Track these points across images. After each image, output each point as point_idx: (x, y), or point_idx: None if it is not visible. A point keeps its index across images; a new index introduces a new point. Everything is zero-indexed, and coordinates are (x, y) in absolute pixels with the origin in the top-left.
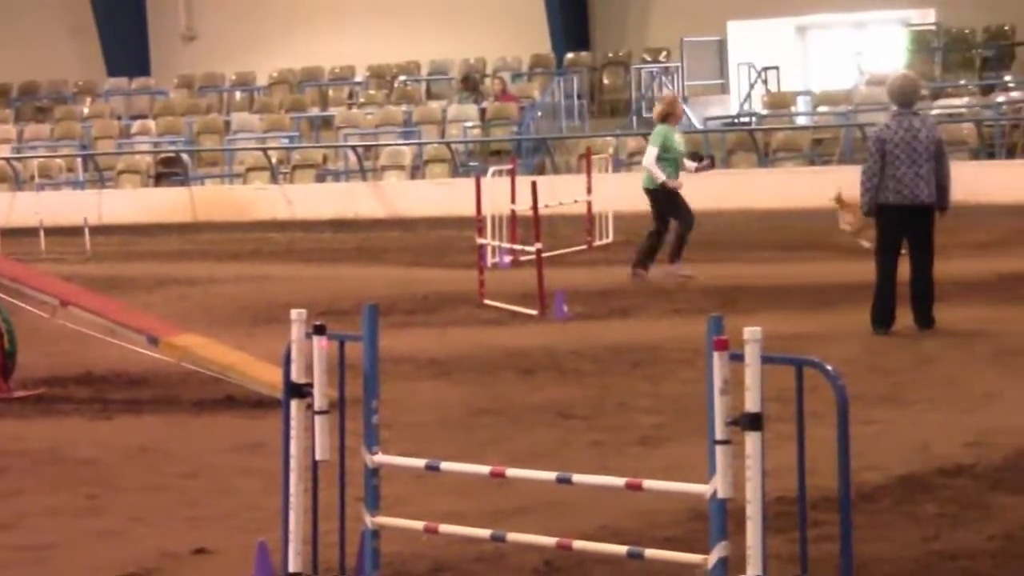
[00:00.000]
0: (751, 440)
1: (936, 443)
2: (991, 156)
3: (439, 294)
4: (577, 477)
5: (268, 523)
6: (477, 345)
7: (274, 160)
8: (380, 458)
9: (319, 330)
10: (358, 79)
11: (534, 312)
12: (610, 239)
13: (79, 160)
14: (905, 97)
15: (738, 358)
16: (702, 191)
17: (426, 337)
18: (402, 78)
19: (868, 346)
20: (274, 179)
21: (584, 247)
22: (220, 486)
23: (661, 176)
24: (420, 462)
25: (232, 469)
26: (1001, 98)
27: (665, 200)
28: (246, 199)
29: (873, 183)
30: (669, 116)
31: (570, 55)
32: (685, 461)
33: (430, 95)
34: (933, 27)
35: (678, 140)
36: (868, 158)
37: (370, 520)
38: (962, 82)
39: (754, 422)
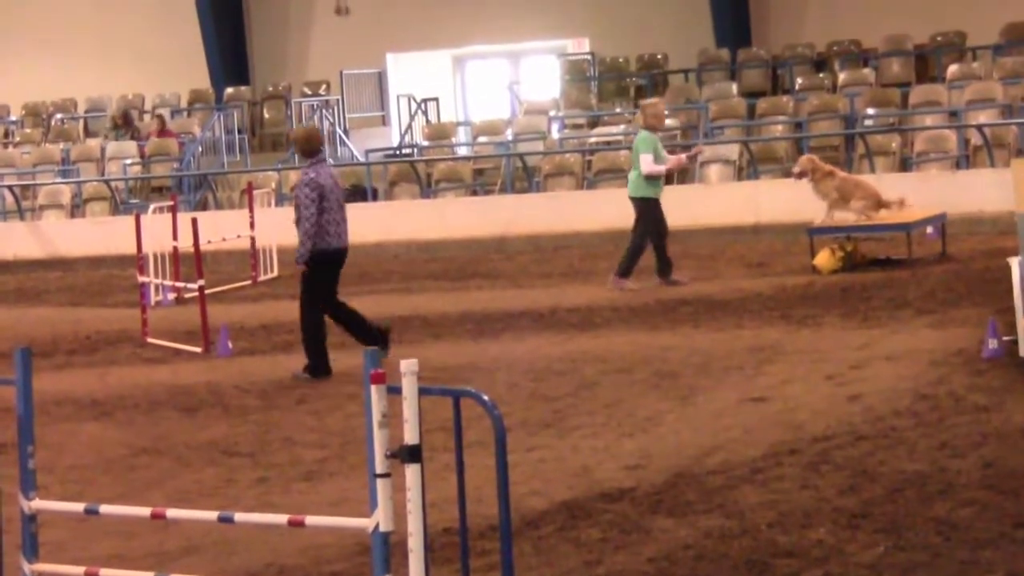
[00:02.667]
0: (411, 472)
1: (598, 468)
2: None
3: (101, 334)
4: (239, 515)
5: None
6: (140, 384)
7: None
8: (38, 504)
9: None
10: (13, 118)
11: (198, 349)
12: (275, 273)
13: None
14: (313, 146)
15: (396, 391)
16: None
17: (88, 378)
18: (59, 116)
19: (532, 373)
20: None
21: (248, 282)
22: None
23: (662, 170)
24: (79, 506)
25: None
26: None
27: (648, 211)
28: None
29: (314, 230)
30: (657, 123)
31: (230, 90)
32: (351, 495)
33: (88, 133)
34: (588, 56)
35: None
36: (308, 205)
37: (28, 568)
38: (618, 110)
39: (413, 454)
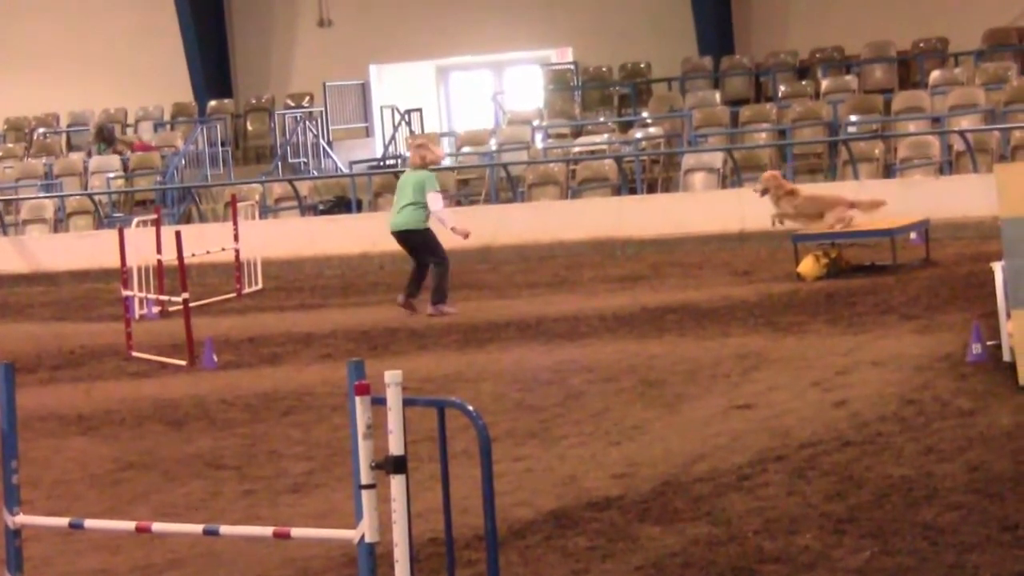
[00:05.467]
0: (396, 483)
1: (585, 477)
2: (632, 191)
3: (86, 348)
4: (225, 528)
5: None
6: (125, 398)
7: None
8: (22, 519)
9: None
10: None
11: (183, 362)
12: (259, 286)
13: None
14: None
15: (381, 402)
16: (349, 236)
17: (73, 392)
18: (41, 130)
19: (518, 383)
20: None
21: (233, 295)
22: None
23: (453, 222)
24: (63, 521)
25: None
26: (639, 134)
27: (429, 241)
28: None
29: None
30: (433, 160)
31: (213, 102)
32: (337, 507)
33: (71, 147)
34: (571, 66)
35: None
36: None
37: None
38: (601, 119)
39: (398, 465)
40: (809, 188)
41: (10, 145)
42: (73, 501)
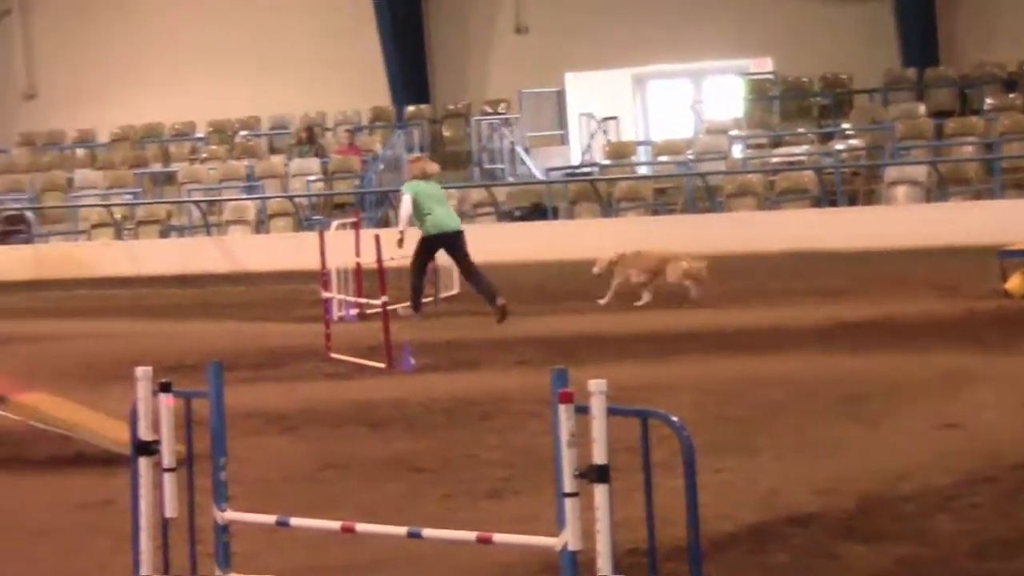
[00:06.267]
0: (599, 492)
1: (786, 491)
2: (833, 204)
3: (286, 348)
4: (427, 531)
5: None
6: (325, 399)
7: (118, 216)
8: (230, 515)
9: (165, 387)
10: (199, 134)
11: (381, 365)
12: (456, 290)
13: None
14: None
15: (583, 410)
16: (544, 243)
17: (274, 392)
18: (243, 133)
19: (716, 395)
20: (118, 235)
21: (430, 299)
22: (69, 545)
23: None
24: (270, 518)
25: (81, 527)
26: (840, 145)
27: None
28: (91, 256)
29: None
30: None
31: (411, 108)
32: (535, 513)
33: (272, 149)
34: (771, 76)
35: None
36: None
37: None
38: (800, 130)
39: (601, 474)
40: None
41: (213, 147)
42: (275, 499)
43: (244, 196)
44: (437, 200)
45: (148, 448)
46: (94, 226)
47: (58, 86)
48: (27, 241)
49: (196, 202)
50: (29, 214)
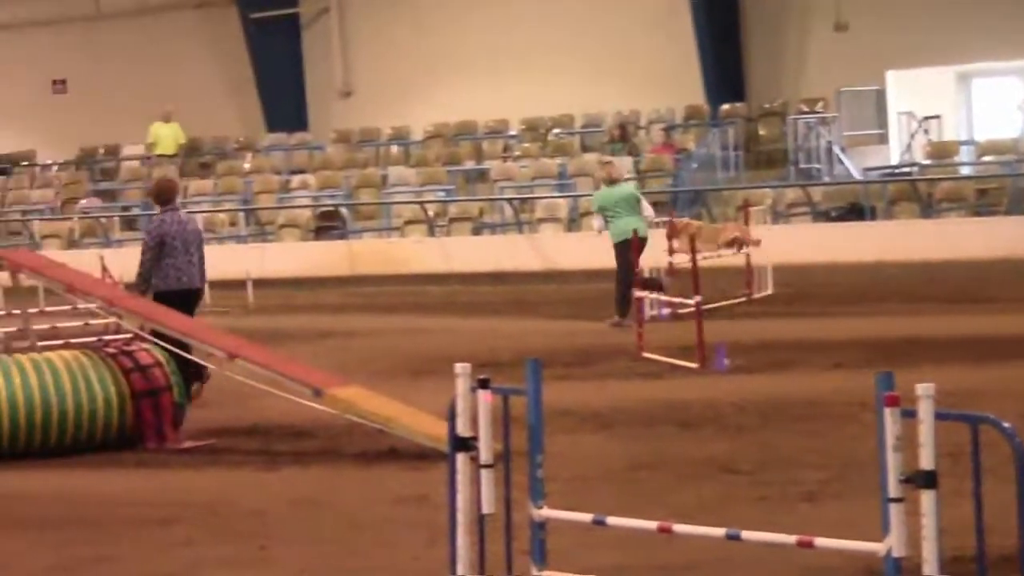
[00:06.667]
0: (927, 498)
1: None
2: None
3: (597, 347)
4: (746, 533)
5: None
6: (637, 398)
7: (431, 213)
8: (546, 512)
9: (483, 384)
10: (512, 132)
11: (694, 365)
12: (770, 291)
13: (241, 215)
14: (163, 197)
15: (909, 414)
16: (861, 243)
17: (585, 390)
18: (556, 131)
19: None
20: (431, 232)
21: (743, 299)
22: (384, 538)
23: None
24: (587, 516)
25: (396, 521)
26: None
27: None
28: (403, 252)
29: (148, 274)
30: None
31: (725, 106)
32: (854, 518)
33: (585, 147)
34: None
35: None
36: (145, 252)
37: (537, 573)
38: None
39: (929, 479)
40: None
41: (526, 145)
42: (588, 497)
43: (556, 194)
44: (623, 205)
45: (466, 444)
46: (407, 223)
47: (373, 84)
48: (341, 237)
49: (508, 200)
50: (344, 210)
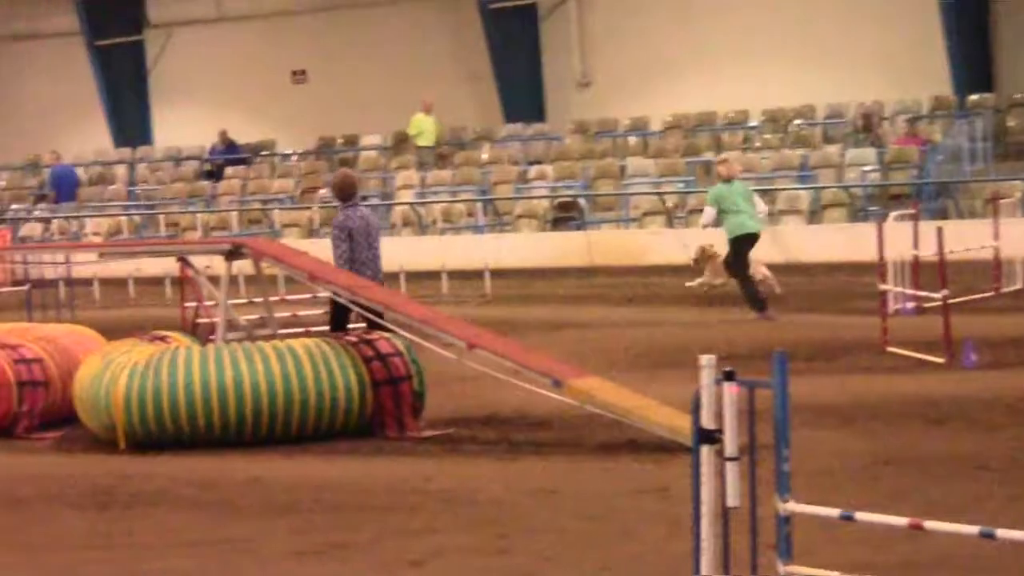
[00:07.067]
0: None
1: None
2: None
3: (839, 340)
4: (1001, 532)
5: (675, 568)
6: (881, 393)
7: (669, 205)
8: (792, 506)
9: (729, 376)
10: (752, 123)
11: (940, 360)
12: (1019, 285)
13: (479, 205)
14: (346, 192)
15: None
16: None
17: (827, 384)
18: (797, 122)
19: None
20: (669, 224)
21: (991, 294)
22: (625, 530)
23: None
24: (834, 511)
25: (636, 513)
26: None
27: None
28: (641, 244)
29: (347, 267)
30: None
31: (973, 96)
32: None
33: (827, 139)
34: None
35: None
36: (337, 245)
37: (783, 568)
38: None
39: None
40: None
41: (767, 136)
42: (833, 492)
43: (798, 186)
44: (740, 202)
45: (711, 436)
46: (645, 214)
47: (611, 74)
48: (579, 228)
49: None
50: (582, 201)
